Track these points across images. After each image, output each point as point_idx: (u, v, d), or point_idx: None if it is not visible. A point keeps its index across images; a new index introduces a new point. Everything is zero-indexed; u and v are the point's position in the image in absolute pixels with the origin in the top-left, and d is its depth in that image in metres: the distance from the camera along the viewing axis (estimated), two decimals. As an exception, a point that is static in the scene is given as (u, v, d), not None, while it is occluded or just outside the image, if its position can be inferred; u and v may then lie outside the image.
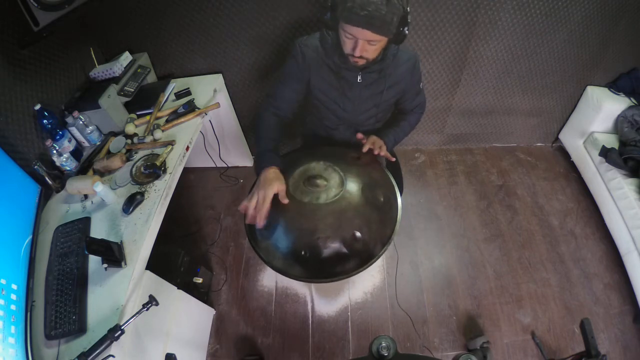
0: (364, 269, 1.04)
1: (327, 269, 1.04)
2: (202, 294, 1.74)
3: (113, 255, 1.05)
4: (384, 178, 1.24)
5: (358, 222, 1.08)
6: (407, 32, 1.04)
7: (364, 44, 1.02)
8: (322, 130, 1.42)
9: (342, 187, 1.11)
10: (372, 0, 0.94)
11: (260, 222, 1.02)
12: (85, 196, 1.31)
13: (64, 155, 1.36)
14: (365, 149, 1.22)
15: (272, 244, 1.08)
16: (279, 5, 1.63)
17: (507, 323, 1.72)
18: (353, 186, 1.13)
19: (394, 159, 1.28)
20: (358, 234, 1.06)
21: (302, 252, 1.04)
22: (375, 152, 1.23)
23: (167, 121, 1.57)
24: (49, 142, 1.33)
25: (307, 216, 1.07)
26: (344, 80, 1.21)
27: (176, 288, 1.40)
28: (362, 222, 1.09)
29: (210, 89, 1.78)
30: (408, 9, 1.01)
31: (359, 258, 1.05)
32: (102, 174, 1.40)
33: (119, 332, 0.91)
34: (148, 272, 1.19)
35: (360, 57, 1.06)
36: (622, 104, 2.00)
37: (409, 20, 1.02)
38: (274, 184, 1.04)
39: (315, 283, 1.84)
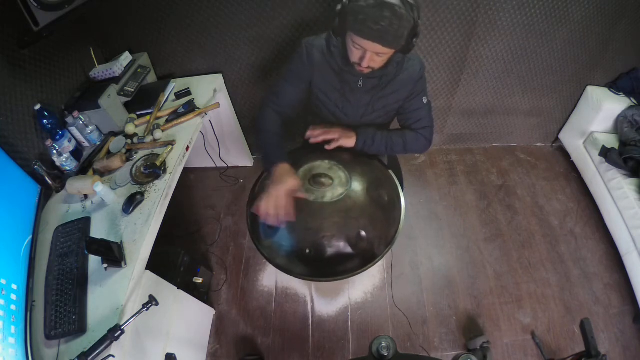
0: (369, 267, 1.04)
1: (331, 268, 1.04)
2: (202, 294, 1.74)
3: (113, 255, 1.05)
4: (388, 177, 1.24)
5: (363, 222, 1.08)
6: (415, 42, 1.03)
7: (372, 55, 1.02)
8: None
9: (347, 185, 1.11)
10: (386, 15, 0.92)
11: (284, 221, 1.01)
12: (85, 196, 1.31)
13: (64, 155, 1.36)
14: (316, 135, 1.23)
15: (276, 242, 1.08)
16: (279, 5, 1.63)
17: (507, 323, 1.72)
18: (358, 185, 1.13)
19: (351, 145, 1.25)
20: (363, 233, 1.06)
21: (307, 251, 1.04)
22: (330, 144, 1.22)
23: (167, 121, 1.58)
24: (49, 142, 1.33)
25: (313, 215, 1.07)
26: (346, 83, 1.21)
27: (176, 288, 1.40)
28: (367, 221, 1.09)
29: (210, 89, 1.78)
30: (419, 20, 1.00)
31: (363, 257, 1.05)
32: (102, 174, 1.40)
33: (119, 332, 0.91)
34: (148, 272, 1.19)
35: (368, 67, 1.06)
36: (622, 104, 2.00)
37: (418, 32, 1.01)
38: (288, 180, 1.04)
39: (319, 282, 1.84)
